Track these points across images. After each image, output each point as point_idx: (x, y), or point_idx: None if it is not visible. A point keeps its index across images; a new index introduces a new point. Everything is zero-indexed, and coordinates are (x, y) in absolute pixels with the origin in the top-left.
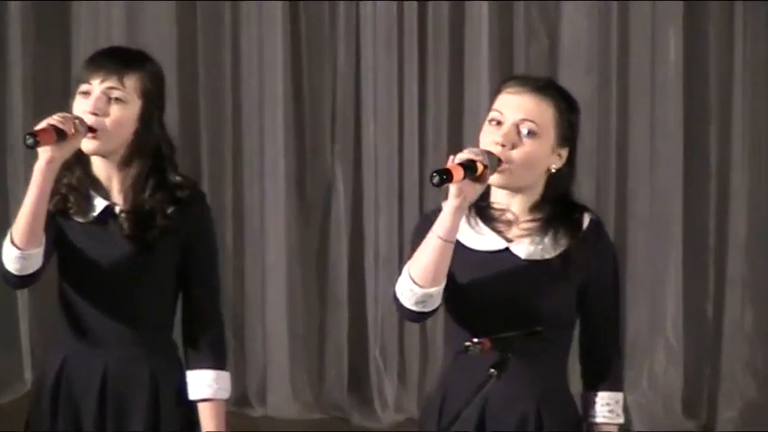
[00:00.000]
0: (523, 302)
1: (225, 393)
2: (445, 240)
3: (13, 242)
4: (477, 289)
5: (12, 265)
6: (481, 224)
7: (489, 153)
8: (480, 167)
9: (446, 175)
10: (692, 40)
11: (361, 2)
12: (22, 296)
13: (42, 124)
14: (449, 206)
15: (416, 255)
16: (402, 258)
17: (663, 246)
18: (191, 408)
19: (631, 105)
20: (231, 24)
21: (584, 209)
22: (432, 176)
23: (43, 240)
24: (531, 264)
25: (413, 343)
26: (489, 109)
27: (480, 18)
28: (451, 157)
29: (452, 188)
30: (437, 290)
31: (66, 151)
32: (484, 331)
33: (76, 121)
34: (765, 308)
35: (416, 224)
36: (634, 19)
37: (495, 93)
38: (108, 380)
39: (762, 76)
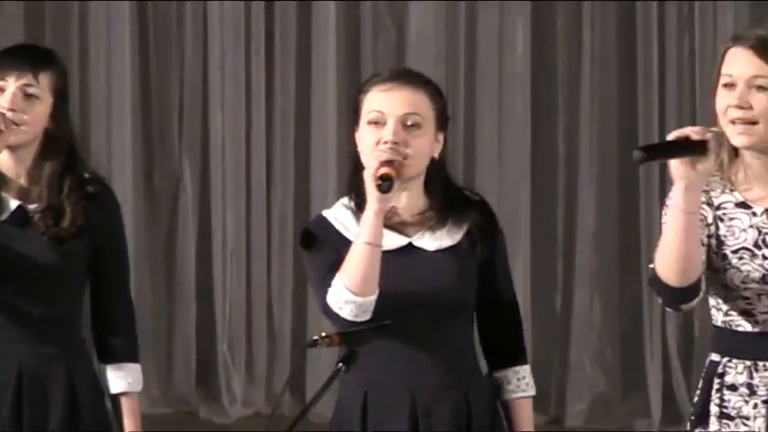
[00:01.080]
0: (435, 292)
1: (138, 386)
2: (375, 245)
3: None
4: (386, 288)
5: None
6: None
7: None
8: (395, 175)
9: (389, 180)
10: (540, 32)
11: (208, 2)
12: None
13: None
14: (371, 210)
15: (348, 265)
16: (250, 252)
17: (511, 239)
18: (104, 402)
19: (479, 98)
20: (79, 21)
21: (465, 189)
22: (379, 185)
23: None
24: (439, 254)
25: (260, 338)
26: (357, 113)
27: (327, 12)
28: (376, 164)
29: (373, 193)
30: (375, 296)
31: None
32: (399, 328)
33: (5, 117)
34: (613, 301)
35: (309, 240)
36: (482, 11)
37: (356, 96)
38: (24, 378)
39: (609, 69)
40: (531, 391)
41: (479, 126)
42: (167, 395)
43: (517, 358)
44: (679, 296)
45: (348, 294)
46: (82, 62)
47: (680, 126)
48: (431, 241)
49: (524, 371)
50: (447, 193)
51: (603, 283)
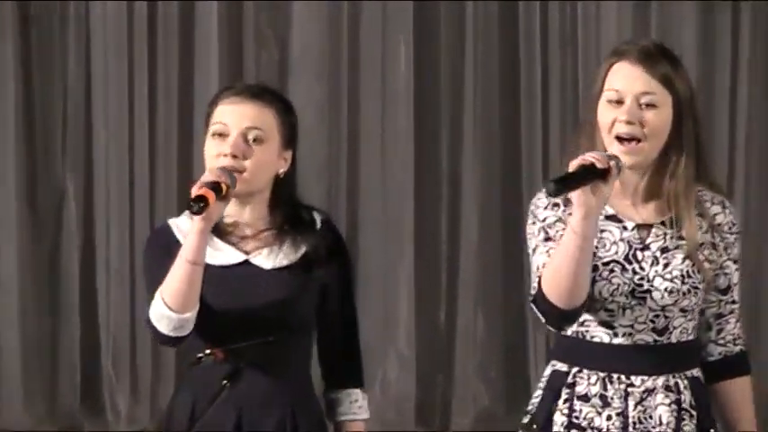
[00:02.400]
0: (268, 311)
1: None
2: (195, 264)
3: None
4: (220, 303)
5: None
6: (216, 240)
7: (226, 170)
8: (224, 187)
9: (203, 202)
10: (423, 47)
11: (91, 20)
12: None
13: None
14: (195, 229)
15: (168, 280)
16: (134, 269)
17: (395, 253)
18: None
19: (362, 114)
20: None
21: (312, 209)
22: (191, 206)
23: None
24: (273, 272)
25: (145, 354)
26: (207, 123)
27: (210, 27)
28: (198, 184)
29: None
30: (192, 314)
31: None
32: (227, 344)
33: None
34: (497, 314)
35: (146, 248)
36: (365, 28)
37: (208, 106)
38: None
39: (492, 87)
40: (365, 415)
41: (363, 142)
42: (53, 413)
43: (351, 381)
44: (565, 317)
45: (165, 309)
46: None
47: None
48: (267, 259)
49: (357, 394)
50: (290, 212)
51: (487, 296)
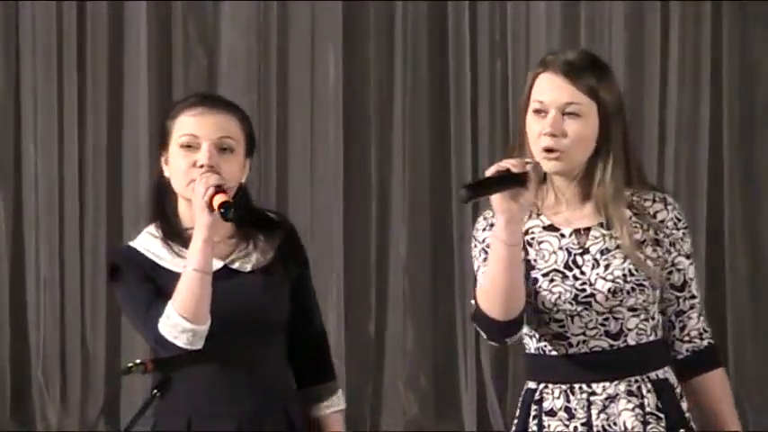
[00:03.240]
0: (257, 312)
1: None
2: (205, 272)
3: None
4: (211, 310)
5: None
6: (185, 250)
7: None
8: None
9: (232, 206)
10: (352, 61)
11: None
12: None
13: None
14: (200, 238)
15: (180, 294)
16: (64, 279)
17: (324, 265)
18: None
19: (291, 126)
20: None
21: (267, 210)
22: (225, 214)
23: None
24: (256, 273)
25: (75, 364)
26: (166, 137)
27: (139, 38)
28: (211, 191)
29: (203, 220)
30: (209, 324)
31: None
32: (220, 349)
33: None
34: (425, 325)
35: (118, 268)
36: (294, 39)
37: (166, 120)
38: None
39: (421, 99)
40: (342, 405)
41: (291, 154)
42: None
43: (327, 374)
44: (504, 329)
45: (184, 323)
46: None
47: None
48: (245, 262)
49: (334, 386)
50: (252, 216)
51: (415, 307)
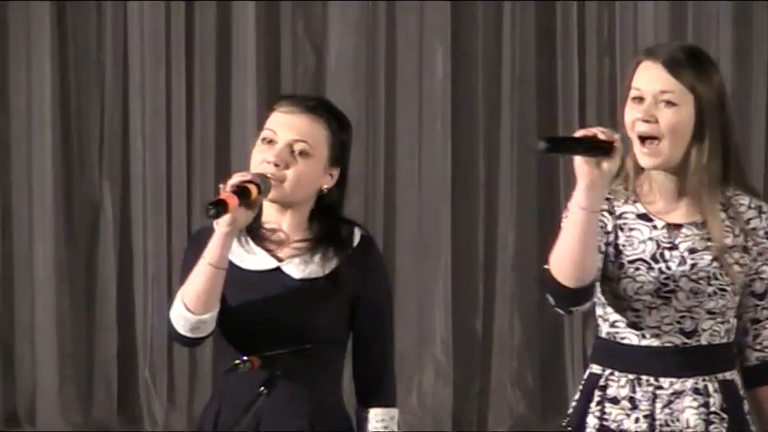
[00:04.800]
0: (294, 320)
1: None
2: (216, 267)
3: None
4: (247, 308)
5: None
6: (252, 243)
7: (262, 175)
8: (254, 191)
9: (221, 206)
10: (460, 56)
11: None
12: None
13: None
14: (219, 233)
15: (189, 281)
16: (172, 277)
17: (431, 262)
18: None
19: (399, 122)
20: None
21: (354, 225)
22: (207, 210)
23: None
24: (302, 283)
25: (182, 362)
26: (261, 127)
27: (246, 37)
28: (222, 186)
29: (224, 216)
30: (210, 316)
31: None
32: (254, 349)
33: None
34: (532, 322)
35: (187, 245)
36: (401, 35)
37: (266, 110)
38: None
39: (529, 93)
40: (393, 428)
41: (399, 151)
42: (89, 421)
43: (378, 400)
44: (571, 298)
45: (183, 310)
46: (2, 86)
47: None
48: (298, 269)
49: (385, 413)
50: (329, 226)
51: (522, 304)
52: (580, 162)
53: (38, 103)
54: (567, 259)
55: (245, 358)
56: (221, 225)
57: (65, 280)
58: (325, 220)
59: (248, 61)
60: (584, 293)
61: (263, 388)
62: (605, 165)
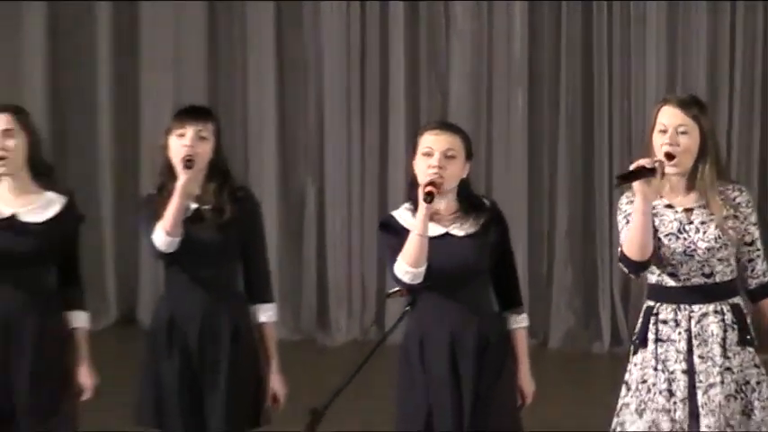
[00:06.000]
0: (464, 262)
1: (274, 317)
2: (423, 236)
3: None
4: (432, 260)
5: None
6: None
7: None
8: (436, 188)
9: (431, 196)
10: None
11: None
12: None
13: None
14: (421, 213)
15: (406, 249)
16: (351, 241)
17: (513, 233)
18: (252, 333)
19: (494, 142)
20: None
21: (483, 197)
22: (426, 198)
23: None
24: (465, 238)
25: (357, 291)
26: (416, 147)
27: (399, 85)
28: (423, 185)
29: (422, 202)
30: (424, 268)
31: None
32: (441, 285)
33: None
34: (579, 268)
35: (382, 227)
36: (497, 82)
37: (417, 135)
38: (203, 321)
39: (576, 87)
40: (525, 323)
41: (495, 156)
42: (296, 327)
43: (516, 303)
44: (640, 267)
45: (407, 267)
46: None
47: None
48: (460, 230)
49: (521, 310)
50: (470, 201)
51: (576, 255)
52: (638, 184)
53: (263, 111)
54: (634, 244)
55: (396, 289)
56: (424, 209)
57: (283, 250)
58: (467, 197)
59: (400, 98)
60: (646, 264)
61: (407, 307)
62: (654, 182)
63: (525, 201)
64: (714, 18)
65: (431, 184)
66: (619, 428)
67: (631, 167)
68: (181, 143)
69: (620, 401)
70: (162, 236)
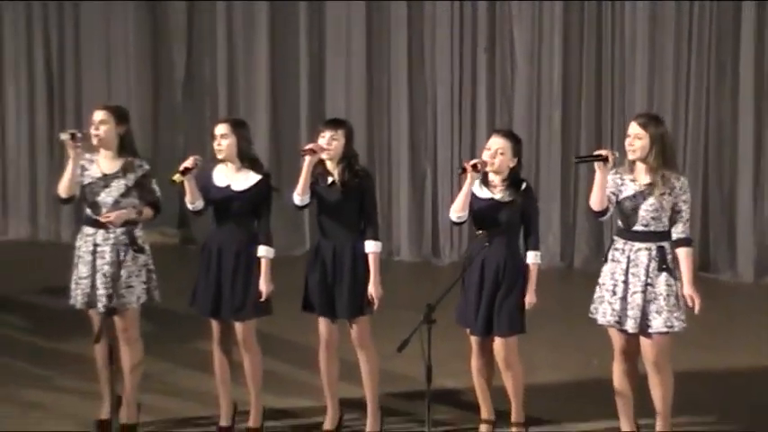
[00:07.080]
0: (503, 217)
1: (378, 248)
2: (467, 194)
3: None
4: (482, 214)
5: (299, 203)
6: (483, 187)
7: (484, 162)
8: (471, 170)
9: (465, 172)
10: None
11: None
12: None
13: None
14: (468, 179)
15: (456, 202)
16: (433, 183)
17: (546, 206)
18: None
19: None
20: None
21: (522, 180)
22: (464, 172)
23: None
24: (505, 202)
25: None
26: (483, 149)
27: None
28: (469, 165)
29: (469, 176)
30: (465, 213)
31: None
32: (486, 228)
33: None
34: (591, 218)
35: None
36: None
37: (488, 138)
38: (336, 249)
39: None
40: (539, 260)
41: (542, 159)
42: (418, 253)
43: (533, 248)
44: (597, 215)
45: (453, 213)
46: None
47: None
48: (503, 197)
49: (537, 251)
50: (513, 180)
51: (584, 208)
52: (597, 164)
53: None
54: (596, 200)
55: (480, 232)
56: (469, 179)
57: None
58: (511, 178)
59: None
60: (602, 213)
61: (487, 243)
62: (607, 165)
63: (558, 187)
64: None
65: (474, 165)
66: (593, 311)
67: (595, 153)
68: (319, 142)
69: (595, 295)
70: (296, 197)
